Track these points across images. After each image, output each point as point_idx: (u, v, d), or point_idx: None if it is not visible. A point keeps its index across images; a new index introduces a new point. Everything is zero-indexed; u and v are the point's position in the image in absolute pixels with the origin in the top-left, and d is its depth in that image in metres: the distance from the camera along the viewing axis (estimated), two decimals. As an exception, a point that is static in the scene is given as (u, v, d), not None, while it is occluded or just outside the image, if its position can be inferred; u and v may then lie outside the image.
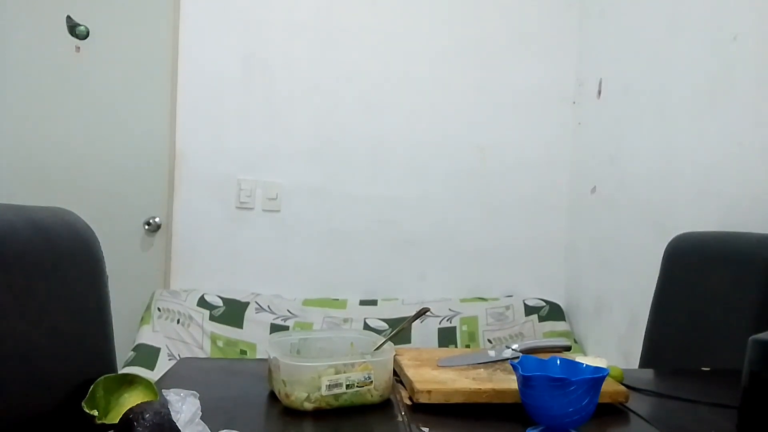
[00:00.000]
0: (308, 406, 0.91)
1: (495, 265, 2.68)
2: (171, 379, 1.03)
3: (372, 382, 0.93)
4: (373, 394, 0.94)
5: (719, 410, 0.96)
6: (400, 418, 0.89)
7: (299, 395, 0.91)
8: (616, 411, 0.95)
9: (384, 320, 2.46)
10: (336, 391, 0.91)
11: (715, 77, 1.74)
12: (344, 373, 0.92)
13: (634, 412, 0.95)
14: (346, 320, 2.46)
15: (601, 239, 2.39)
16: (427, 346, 2.41)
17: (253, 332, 2.37)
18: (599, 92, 2.46)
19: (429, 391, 0.93)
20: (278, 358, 0.93)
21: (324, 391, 0.91)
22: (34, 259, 0.82)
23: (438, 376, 1.00)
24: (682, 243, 1.52)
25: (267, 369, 1.00)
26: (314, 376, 0.91)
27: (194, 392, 0.80)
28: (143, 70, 2.52)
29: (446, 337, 2.47)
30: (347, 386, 0.92)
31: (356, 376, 0.92)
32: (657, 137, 2.02)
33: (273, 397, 0.97)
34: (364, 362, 0.94)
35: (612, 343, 2.26)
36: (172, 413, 0.71)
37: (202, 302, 2.40)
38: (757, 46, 1.59)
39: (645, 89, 2.12)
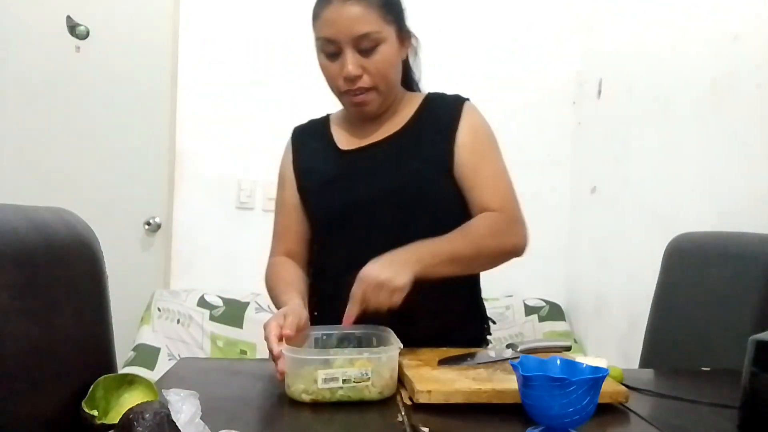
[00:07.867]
0: (306, 398, 0.92)
1: (495, 265, 2.67)
2: (171, 379, 1.03)
3: (369, 378, 0.93)
4: (371, 390, 0.94)
5: (719, 410, 0.96)
6: (400, 418, 0.89)
7: (298, 386, 0.93)
8: (616, 411, 0.95)
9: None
10: (332, 385, 0.92)
11: (716, 77, 1.74)
12: (341, 368, 0.92)
13: (634, 412, 0.95)
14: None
15: (602, 239, 2.39)
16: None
17: (253, 332, 2.37)
18: (599, 92, 2.45)
19: (429, 391, 0.93)
20: (282, 350, 0.94)
21: (320, 384, 0.91)
22: (34, 259, 0.82)
23: (438, 376, 0.99)
24: (682, 243, 1.52)
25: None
26: (311, 369, 0.92)
27: (194, 392, 0.80)
28: (143, 69, 2.52)
29: (446, 337, 2.47)
30: (344, 381, 0.92)
31: (353, 372, 0.92)
32: (657, 137, 2.02)
33: (273, 396, 0.97)
34: (361, 358, 0.94)
35: (612, 343, 2.26)
36: (172, 413, 0.71)
37: (202, 302, 2.40)
38: (757, 46, 1.59)
39: (645, 89, 2.11)
